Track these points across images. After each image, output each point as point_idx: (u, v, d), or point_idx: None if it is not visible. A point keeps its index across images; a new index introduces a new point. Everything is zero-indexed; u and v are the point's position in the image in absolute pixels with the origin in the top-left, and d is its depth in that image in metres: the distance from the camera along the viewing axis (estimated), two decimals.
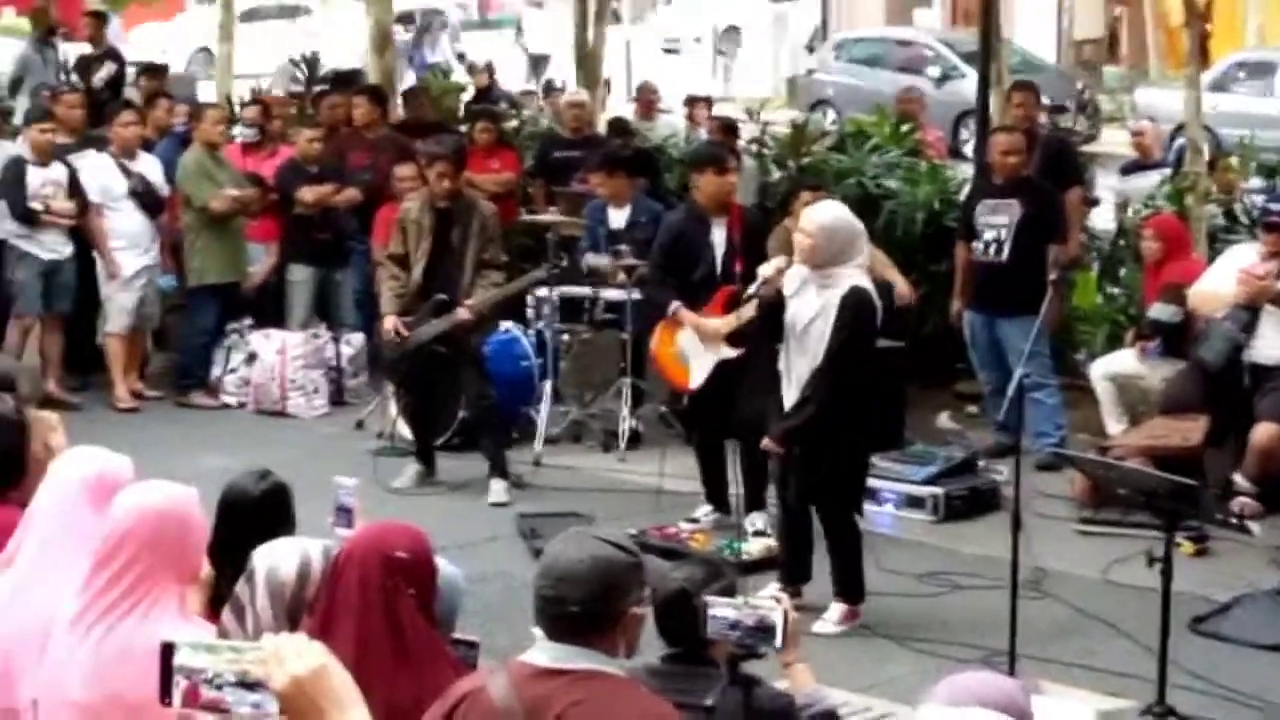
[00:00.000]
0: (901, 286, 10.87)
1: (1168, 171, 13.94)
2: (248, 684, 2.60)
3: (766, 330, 8.04)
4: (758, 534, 9.04)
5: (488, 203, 10.62)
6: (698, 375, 9.37)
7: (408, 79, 22.57)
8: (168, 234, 12.61)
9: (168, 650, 2.64)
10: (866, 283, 8.00)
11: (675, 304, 9.38)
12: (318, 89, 15.40)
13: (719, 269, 9.34)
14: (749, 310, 8.92)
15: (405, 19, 29.87)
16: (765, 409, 8.77)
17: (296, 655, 2.65)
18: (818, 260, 7.87)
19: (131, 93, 15.73)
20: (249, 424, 12.00)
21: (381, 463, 10.48)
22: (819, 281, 7.90)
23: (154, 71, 15.42)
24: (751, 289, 8.15)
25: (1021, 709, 3.08)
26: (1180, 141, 14.37)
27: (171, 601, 4.26)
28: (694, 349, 9.36)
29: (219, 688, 2.60)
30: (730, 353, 9.19)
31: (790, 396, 8.00)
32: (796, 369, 7.97)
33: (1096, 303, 11.84)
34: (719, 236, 9.36)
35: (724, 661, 4.51)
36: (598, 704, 3.68)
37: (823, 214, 8.04)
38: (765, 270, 7.94)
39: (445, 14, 35.61)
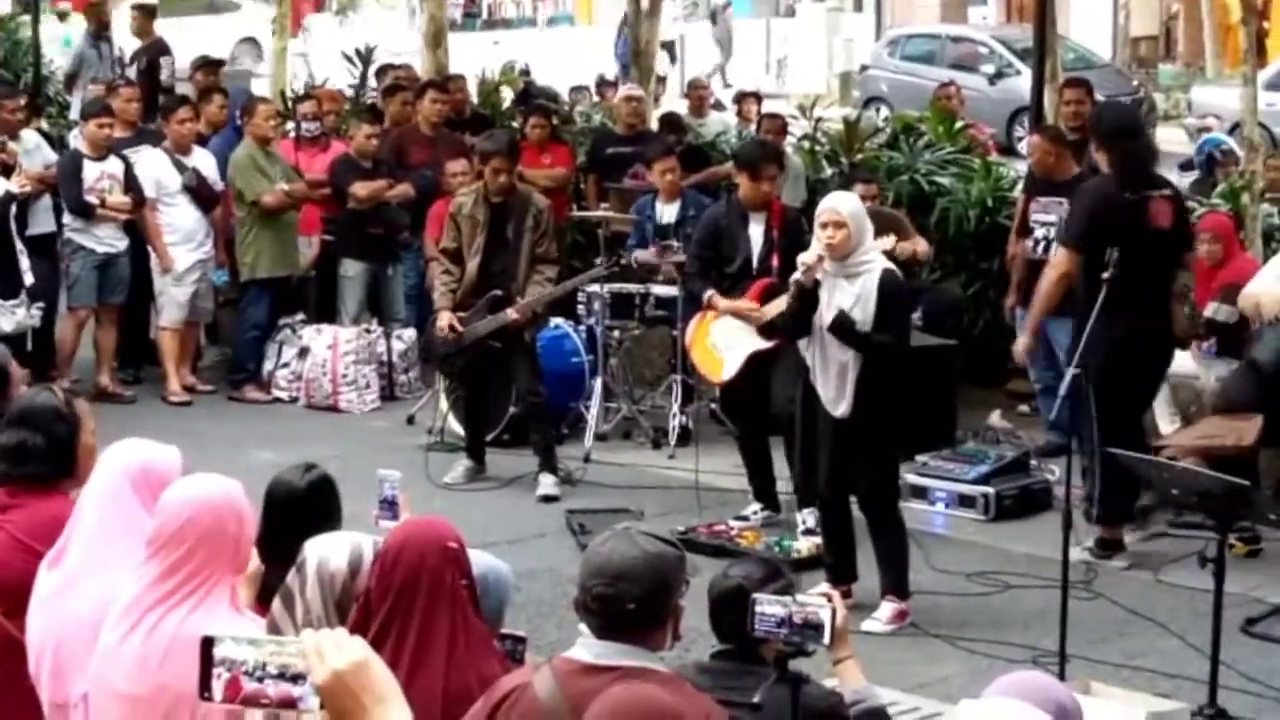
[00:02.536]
0: (922, 246, 11.01)
1: (1197, 173, 13.84)
2: (290, 676, 2.61)
3: (800, 321, 8.01)
4: (808, 532, 9.02)
5: (541, 196, 10.63)
6: (730, 368, 9.38)
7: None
8: (222, 229, 12.67)
9: (208, 644, 2.64)
10: (888, 263, 8.13)
11: (710, 291, 9.39)
12: (382, 85, 15.38)
13: (755, 263, 9.34)
14: (784, 302, 8.96)
15: None
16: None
17: (337, 649, 2.65)
18: (849, 249, 7.88)
19: (185, 87, 15.79)
20: (300, 418, 12.04)
21: (432, 458, 10.50)
22: (845, 272, 7.92)
23: (209, 66, 15.45)
24: (794, 276, 8.12)
25: (1070, 714, 3.06)
26: (1206, 138, 14.24)
27: (224, 594, 4.28)
28: (726, 341, 9.36)
29: (260, 680, 2.60)
30: (763, 344, 9.19)
31: (827, 390, 7.98)
32: (834, 361, 7.95)
33: None
34: (756, 231, 9.37)
35: (772, 659, 4.50)
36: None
37: (845, 202, 8.09)
38: (807, 257, 7.91)
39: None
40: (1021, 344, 9.69)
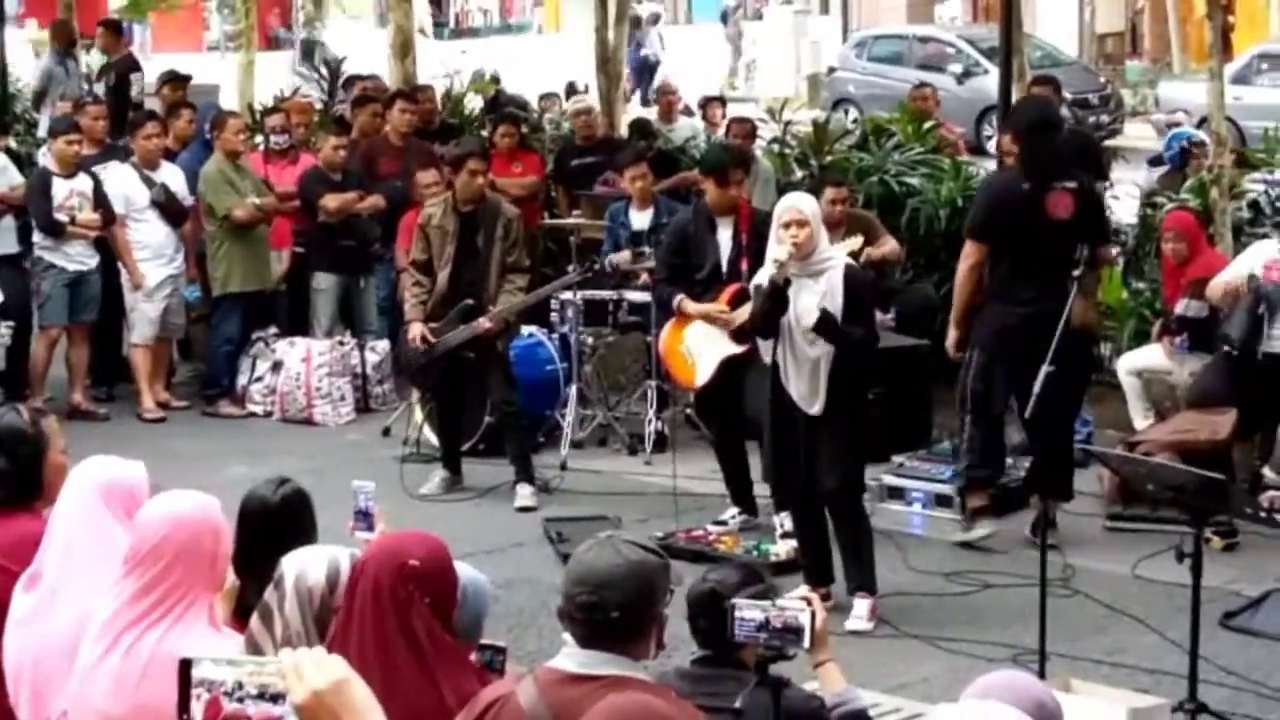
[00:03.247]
0: (891, 246, 11.07)
1: (1166, 168, 13.88)
2: (269, 696, 2.60)
3: (771, 320, 8.02)
4: (785, 535, 9.02)
5: (511, 205, 10.63)
6: (703, 372, 9.39)
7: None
8: (192, 244, 12.64)
9: (186, 666, 2.64)
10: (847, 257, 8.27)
11: (680, 296, 9.40)
12: (350, 96, 15.37)
13: (724, 268, 9.35)
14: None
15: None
16: None
17: (316, 668, 2.65)
18: (812, 247, 7.95)
19: (154, 102, 15.76)
20: (275, 432, 12.02)
21: (408, 469, 10.47)
22: (809, 270, 7.97)
23: (176, 81, 15.41)
24: (761, 274, 8.13)
25: (1050, 713, 3.07)
26: (1175, 132, 14.28)
27: (202, 611, 4.28)
28: (700, 347, 9.37)
29: (240, 700, 2.60)
30: (735, 349, 9.20)
31: (800, 389, 8.00)
32: (806, 360, 7.98)
33: (1122, 297, 11.78)
34: (725, 236, 9.38)
35: (752, 664, 4.50)
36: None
37: (806, 202, 8.18)
38: (778, 255, 7.93)
39: (659, 11, 37.37)
40: (950, 338, 9.66)
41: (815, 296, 7.93)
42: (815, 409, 8.01)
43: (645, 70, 33.18)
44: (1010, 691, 3.06)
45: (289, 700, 2.60)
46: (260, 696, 2.60)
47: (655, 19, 35.85)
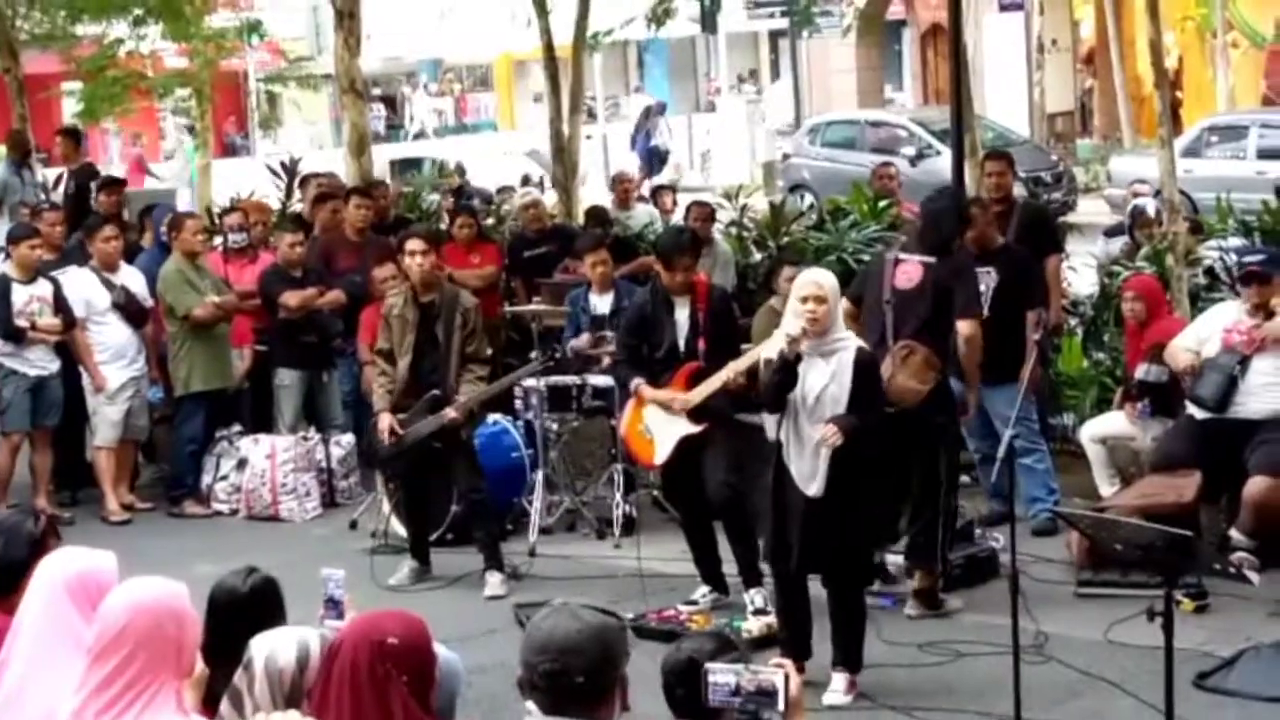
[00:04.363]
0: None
1: (1126, 239, 14.01)
2: None
3: (780, 395, 7.98)
4: (758, 612, 9.01)
5: (469, 295, 10.66)
6: (661, 451, 9.39)
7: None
8: (153, 345, 12.62)
9: None
10: (860, 340, 8.18)
11: (637, 380, 9.41)
12: (307, 195, 15.43)
13: (682, 346, 9.36)
14: (715, 382, 9.03)
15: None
16: (734, 485, 8.91)
17: None
18: (828, 324, 7.91)
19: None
20: (242, 530, 11.96)
21: (377, 561, 10.43)
22: (821, 349, 7.94)
23: (111, 186, 15.42)
24: (771, 347, 8.10)
25: None
26: (1136, 202, 14.41)
27: (169, 698, 4.23)
28: (658, 425, 9.38)
29: None
30: (692, 428, 9.22)
31: (800, 468, 7.98)
32: (808, 440, 7.96)
33: (1083, 367, 11.85)
34: (682, 316, 9.38)
35: None
36: None
37: (825, 278, 8.15)
38: (791, 330, 7.90)
39: (664, 102, 38.17)
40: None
41: (824, 377, 7.92)
42: (814, 490, 7.99)
43: (656, 159, 33.52)
44: None
45: None
46: None
47: (662, 109, 36.18)
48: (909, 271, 9.18)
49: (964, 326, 9.39)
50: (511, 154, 30.50)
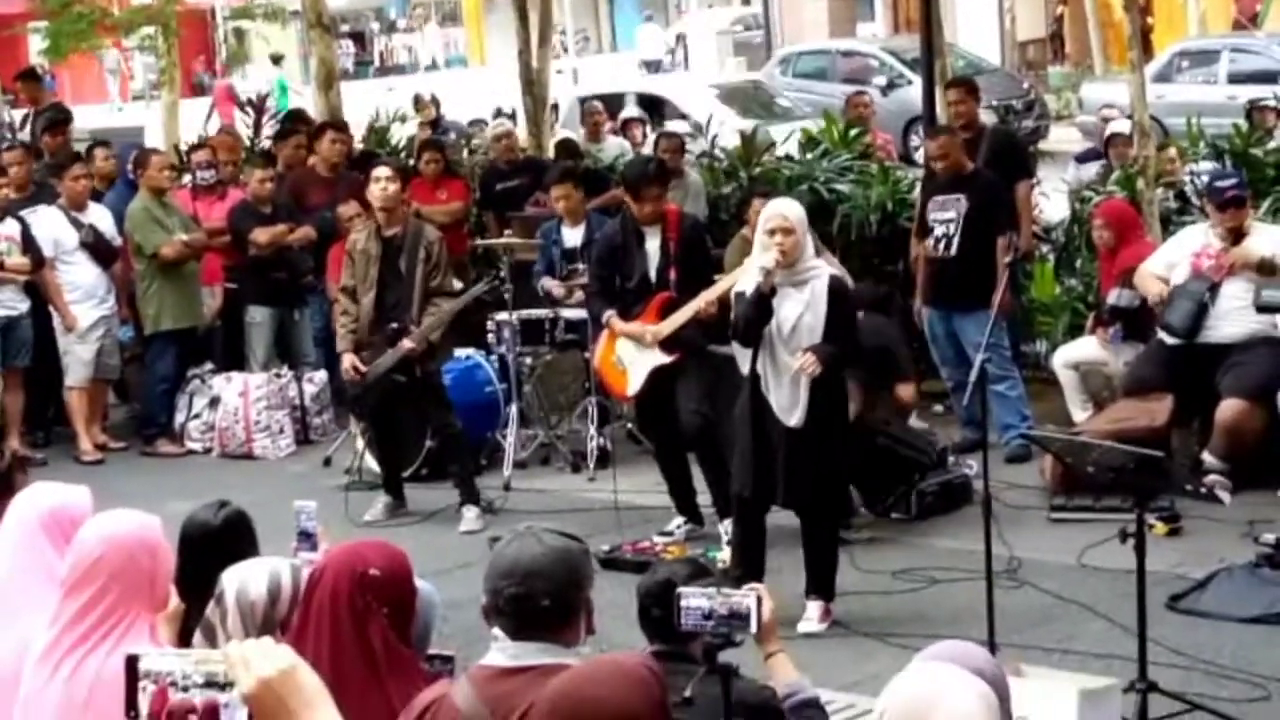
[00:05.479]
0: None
1: (1100, 164, 13.99)
2: (217, 684, 2.58)
3: (755, 329, 7.95)
4: (732, 542, 9.01)
5: (433, 229, 10.61)
6: (634, 382, 9.39)
7: None
8: (123, 284, 12.55)
9: (132, 661, 2.61)
10: (832, 267, 8.13)
11: (609, 313, 9.39)
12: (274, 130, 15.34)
13: (653, 277, 9.34)
14: (687, 311, 9.01)
15: None
16: (706, 414, 8.86)
17: (263, 657, 2.62)
18: (797, 255, 7.87)
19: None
20: (215, 468, 11.94)
21: (351, 498, 10.42)
22: (793, 279, 7.91)
23: (56, 126, 15.18)
24: (745, 281, 8.06)
25: (996, 677, 3.07)
26: (1112, 125, 14.38)
27: (143, 631, 4.24)
28: (630, 356, 9.38)
29: (186, 690, 2.57)
30: (664, 359, 9.21)
31: (780, 399, 7.95)
32: (786, 370, 7.93)
33: (1055, 293, 11.84)
34: (653, 246, 9.35)
35: (701, 653, 4.48)
36: None
37: (789, 207, 8.10)
38: (764, 263, 7.87)
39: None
40: None
41: (799, 306, 7.89)
42: (794, 420, 7.96)
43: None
44: (955, 657, 3.08)
45: (237, 690, 2.57)
46: (207, 685, 2.58)
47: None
48: None
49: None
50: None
